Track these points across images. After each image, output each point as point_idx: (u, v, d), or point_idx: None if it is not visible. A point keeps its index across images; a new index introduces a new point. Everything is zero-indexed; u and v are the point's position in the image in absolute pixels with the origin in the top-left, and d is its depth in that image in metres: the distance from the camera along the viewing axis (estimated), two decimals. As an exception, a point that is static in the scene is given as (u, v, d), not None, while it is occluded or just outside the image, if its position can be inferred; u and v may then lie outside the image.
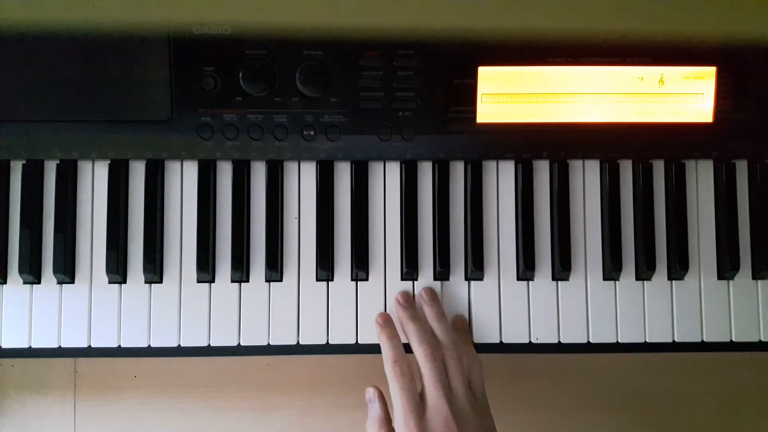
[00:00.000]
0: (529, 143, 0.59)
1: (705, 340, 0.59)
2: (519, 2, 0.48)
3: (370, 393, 0.56)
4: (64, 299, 0.57)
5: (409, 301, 0.58)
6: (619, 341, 0.59)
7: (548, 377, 0.67)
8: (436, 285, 0.59)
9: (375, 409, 0.55)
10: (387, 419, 0.54)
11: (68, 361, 0.65)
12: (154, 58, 0.54)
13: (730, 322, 0.59)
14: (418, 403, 0.52)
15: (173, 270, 0.58)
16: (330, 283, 0.59)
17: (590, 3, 0.48)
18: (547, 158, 0.60)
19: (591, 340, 0.59)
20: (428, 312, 0.57)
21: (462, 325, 0.58)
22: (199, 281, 0.58)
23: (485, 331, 0.59)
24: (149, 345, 0.57)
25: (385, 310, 0.58)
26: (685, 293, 0.60)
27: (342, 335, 0.58)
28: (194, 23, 0.53)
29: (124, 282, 0.58)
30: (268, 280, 0.58)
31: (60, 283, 0.58)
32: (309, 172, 0.60)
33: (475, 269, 0.59)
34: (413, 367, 0.54)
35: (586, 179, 0.61)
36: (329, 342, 0.58)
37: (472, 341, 0.58)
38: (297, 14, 0.49)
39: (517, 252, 0.60)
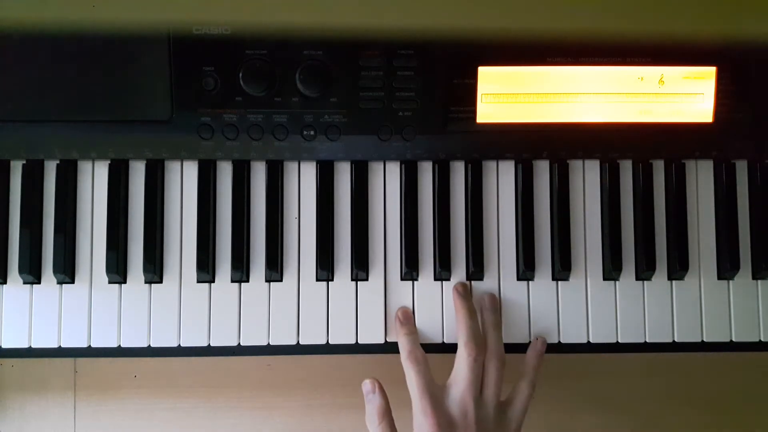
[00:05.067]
0: (529, 143, 0.59)
1: (705, 340, 0.59)
2: (519, 2, 0.48)
3: (368, 385, 0.55)
4: (64, 299, 0.57)
5: (467, 292, 0.58)
6: (619, 341, 0.59)
7: (548, 377, 0.66)
8: (437, 285, 0.59)
9: (375, 401, 0.54)
10: (388, 410, 0.53)
11: (68, 361, 0.65)
12: (154, 58, 0.54)
13: (730, 322, 0.59)
14: (435, 389, 0.52)
15: (173, 270, 0.58)
16: (330, 283, 0.59)
17: (590, 3, 0.48)
18: (547, 158, 0.60)
19: (591, 340, 0.59)
20: (487, 318, 0.57)
21: (538, 347, 0.58)
22: (199, 281, 0.58)
23: (485, 331, 0.59)
24: (149, 345, 0.57)
25: (385, 311, 0.58)
26: (685, 293, 0.60)
27: (342, 335, 0.58)
28: (194, 23, 0.53)
29: (124, 282, 0.58)
30: (268, 280, 0.58)
31: (60, 283, 0.58)
32: (309, 172, 0.60)
33: (476, 269, 0.59)
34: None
35: (586, 179, 0.61)
36: (329, 342, 0.58)
37: (540, 366, 0.58)
38: (297, 14, 0.49)
39: (517, 252, 0.60)
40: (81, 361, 0.65)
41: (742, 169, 0.61)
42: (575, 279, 0.60)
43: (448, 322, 0.59)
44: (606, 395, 0.67)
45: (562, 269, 0.59)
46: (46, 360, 0.64)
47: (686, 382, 0.67)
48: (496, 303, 0.58)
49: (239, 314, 0.58)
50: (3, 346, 0.57)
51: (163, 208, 0.59)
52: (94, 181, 0.59)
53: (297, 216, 0.59)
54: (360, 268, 0.58)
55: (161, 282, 0.58)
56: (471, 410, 0.51)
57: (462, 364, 0.53)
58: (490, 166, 0.60)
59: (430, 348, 0.57)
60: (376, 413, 0.53)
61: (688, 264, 0.59)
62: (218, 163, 0.59)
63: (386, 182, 0.60)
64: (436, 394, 0.52)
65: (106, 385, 0.65)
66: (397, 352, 0.57)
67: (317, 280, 0.59)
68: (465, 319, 0.56)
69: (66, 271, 0.57)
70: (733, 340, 0.59)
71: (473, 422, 0.50)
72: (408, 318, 0.58)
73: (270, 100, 0.55)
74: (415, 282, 0.59)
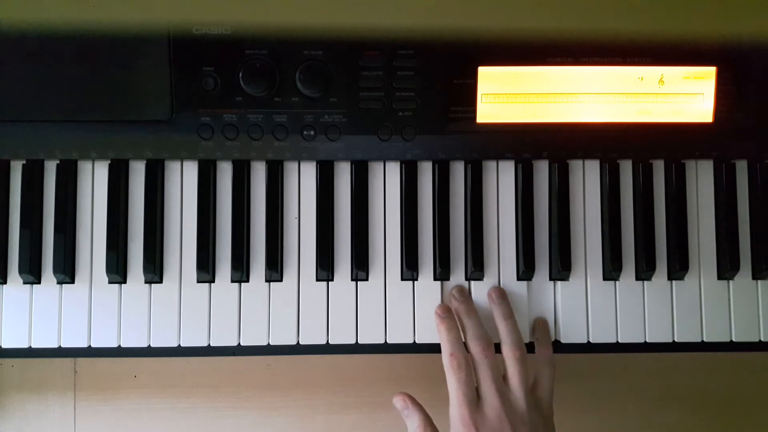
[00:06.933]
0: (529, 143, 0.59)
1: (705, 340, 0.59)
2: (519, 2, 0.48)
3: (400, 402, 0.56)
4: (64, 299, 0.57)
5: (464, 294, 0.58)
6: (619, 341, 0.59)
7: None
8: (436, 285, 0.59)
9: (415, 416, 0.55)
10: (428, 421, 0.54)
11: (68, 361, 0.65)
12: (154, 58, 0.54)
13: (730, 322, 0.59)
14: (474, 395, 0.53)
15: (173, 270, 0.58)
16: (330, 283, 0.59)
17: (590, 3, 0.48)
18: (547, 158, 0.60)
19: (591, 340, 0.59)
20: (495, 311, 0.57)
21: (543, 326, 0.59)
22: (199, 281, 0.58)
23: (485, 331, 0.59)
24: (149, 345, 0.57)
25: (385, 311, 0.58)
26: (685, 293, 0.60)
27: (342, 335, 0.58)
28: (194, 23, 0.53)
29: (124, 282, 0.58)
30: (268, 280, 0.58)
31: (60, 283, 0.58)
32: (309, 172, 0.60)
33: (475, 269, 0.59)
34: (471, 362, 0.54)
35: (586, 179, 0.61)
36: (329, 342, 0.58)
37: (551, 345, 0.58)
38: (297, 14, 0.49)
39: (517, 252, 0.60)
40: (81, 361, 0.65)
41: (742, 169, 0.61)
42: (575, 279, 0.60)
43: (448, 322, 0.58)
44: (606, 395, 0.67)
45: (562, 269, 0.59)
46: (46, 360, 0.64)
47: (686, 382, 0.67)
48: (501, 294, 0.58)
49: (239, 314, 0.58)
50: (3, 346, 0.57)
51: (163, 208, 0.59)
52: (94, 181, 0.59)
53: (297, 216, 0.59)
54: (360, 268, 0.58)
55: (161, 282, 0.58)
56: (501, 410, 0.52)
57: (477, 361, 0.54)
58: (490, 166, 0.60)
59: (433, 348, 0.57)
60: (417, 428, 0.54)
61: (688, 264, 0.59)
62: (218, 163, 0.59)
63: (386, 182, 0.60)
64: (474, 401, 0.53)
65: (106, 385, 0.65)
66: (395, 352, 0.58)
67: (317, 280, 0.59)
68: (463, 319, 0.56)
69: (66, 271, 0.57)
70: (733, 340, 0.59)
71: (504, 416, 0.52)
72: (447, 313, 0.57)
73: (270, 100, 0.55)
74: (415, 282, 0.59)
